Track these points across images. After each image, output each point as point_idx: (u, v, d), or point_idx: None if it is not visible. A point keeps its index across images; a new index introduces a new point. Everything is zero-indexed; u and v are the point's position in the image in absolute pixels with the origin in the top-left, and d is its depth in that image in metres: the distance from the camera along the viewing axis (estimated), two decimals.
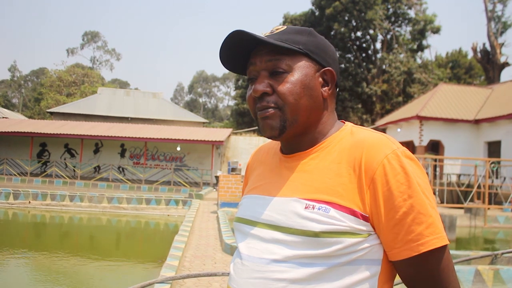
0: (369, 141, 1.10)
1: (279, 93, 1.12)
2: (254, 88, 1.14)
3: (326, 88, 1.18)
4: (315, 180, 1.11)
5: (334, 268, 1.05)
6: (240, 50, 1.18)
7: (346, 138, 1.15)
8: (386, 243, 1.07)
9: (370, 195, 1.06)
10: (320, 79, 1.17)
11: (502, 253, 6.70)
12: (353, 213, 1.05)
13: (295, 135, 1.16)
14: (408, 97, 36.01)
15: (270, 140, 1.23)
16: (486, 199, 13.87)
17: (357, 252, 1.05)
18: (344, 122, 1.23)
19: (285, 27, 1.18)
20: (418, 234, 1.03)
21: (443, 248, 1.05)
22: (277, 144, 1.30)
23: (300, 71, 1.13)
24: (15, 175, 26.30)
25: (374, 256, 1.08)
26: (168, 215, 15.12)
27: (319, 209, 1.06)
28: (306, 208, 1.08)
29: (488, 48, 35.93)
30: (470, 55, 41.56)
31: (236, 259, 1.19)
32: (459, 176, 20.61)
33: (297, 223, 1.07)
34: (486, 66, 35.98)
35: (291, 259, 1.06)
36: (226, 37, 1.14)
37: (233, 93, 57.77)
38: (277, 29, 1.17)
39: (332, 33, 37.74)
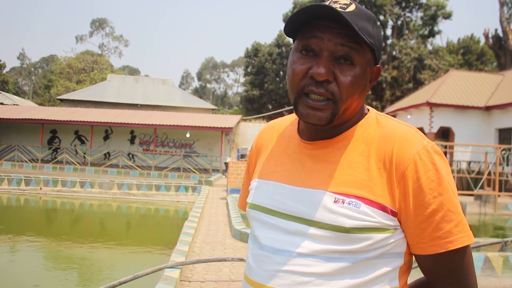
0: (399, 135, 1.07)
1: (341, 85, 1.05)
2: (318, 71, 1.04)
3: (370, 84, 1.13)
4: (343, 172, 1.08)
5: (360, 262, 1.04)
6: (305, 17, 1.06)
7: (372, 127, 1.12)
8: (412, 237, 1.07)
9: (400, 191, 1.04)
10: (369, 76, 1.12)
11: None
12: (383, 208, 1.04)
13: (333, 126, 1.11)
14: (418, 84, 35.72)
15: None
16: (497, 186, 13.79)
17: (384, 247, 1.05)
18: (367, 107, 1.19)
19: (354, 5, 1.06)
20: (447, 231, 1.03)
21: (468, 245, 1.06)
22: (292, 125, 1.24)
23: (364, 67, 1.07)
24: (26, 161, 26.53)
25: (398, 249, 1.08)
26: (178, 201, 15.21)
27: (349, 203, 1.04)
28: (335, 202, 1.05)
29: (500, 34, 35.47)
30: (482, 41, 41.06)
31: (255, 249, 1.14)
32: (469, 163, 20.51)
33: (326, 218, 1.04)
34: (498, 52, 35.56)
35: (319, 253, 1.05)
36: (309, 7, 1.03)
37: (242, 79, 57.64)
38: (346, 6, 1.05)
39: None
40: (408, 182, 1.04)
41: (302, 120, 1.10)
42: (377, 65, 1.13)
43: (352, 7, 1.05)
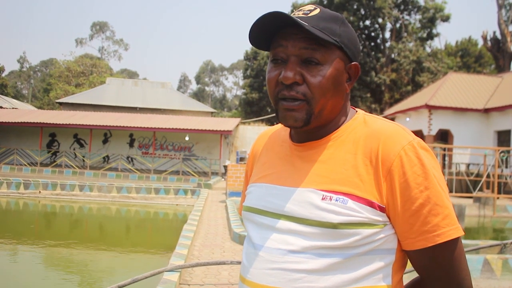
0: (385, 132, 1.10)
1: (311, 86, 1.09)
2: (284, 75, 1.09)
3: (349, 82, 1.16)
4: (331, 171, 1.10)
5: (351, 258, 1.06)
6: (269, 28, 1.11)
7: (360, 127, 1.14)
8: (401, 233, 1.08)
9: (387, 186, 1.06)
10: (346, 74, 1.15)
11: (511, 243, 6.68)
12: (370, 204, 1.06)
13: (315, 127, 1.14)
14: (417, 86, 35.79)
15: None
16: (496, 189, 13.80)
17: (373, 242, 1.06)
18: (355, 109, 1.22)
19: (319, 10, 1.12)
20: (434, 225, 1.04)
21: (458, 238, 1.07)
22: (284, 131, 1.27)
23: (333, 65, 1.10)
24: (25, 165, 26.50)
25: (389, 245, 1.09)
26: (177, 204, 15.18)
27: (336, 200, 1.06)
28: (323, 199, 1.07)
29: (499, 36, 35.53)
30: (480, 43, 41.15)
31: (249, 249, 1.17)
32: (468, 165, 20.51)
33: (314, 215, 1.07)
34: (496, 55, 35.62)
35: (309, 250, 1.06)
36: (262, 16, 1.08)
37: (241, 82, 57.69)
38: (309, 11, 1.11)
39: None
40: (394, 177, 1.05)
41: (281, 124, 1.15)
42: (354, 63, 1.15)
43: (315, 12, 1.12)
